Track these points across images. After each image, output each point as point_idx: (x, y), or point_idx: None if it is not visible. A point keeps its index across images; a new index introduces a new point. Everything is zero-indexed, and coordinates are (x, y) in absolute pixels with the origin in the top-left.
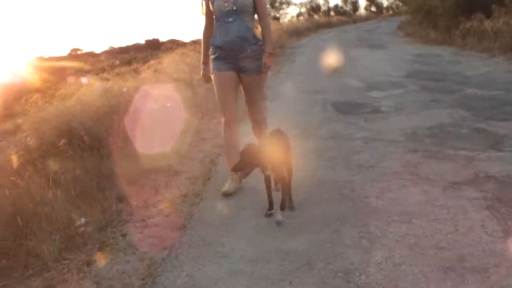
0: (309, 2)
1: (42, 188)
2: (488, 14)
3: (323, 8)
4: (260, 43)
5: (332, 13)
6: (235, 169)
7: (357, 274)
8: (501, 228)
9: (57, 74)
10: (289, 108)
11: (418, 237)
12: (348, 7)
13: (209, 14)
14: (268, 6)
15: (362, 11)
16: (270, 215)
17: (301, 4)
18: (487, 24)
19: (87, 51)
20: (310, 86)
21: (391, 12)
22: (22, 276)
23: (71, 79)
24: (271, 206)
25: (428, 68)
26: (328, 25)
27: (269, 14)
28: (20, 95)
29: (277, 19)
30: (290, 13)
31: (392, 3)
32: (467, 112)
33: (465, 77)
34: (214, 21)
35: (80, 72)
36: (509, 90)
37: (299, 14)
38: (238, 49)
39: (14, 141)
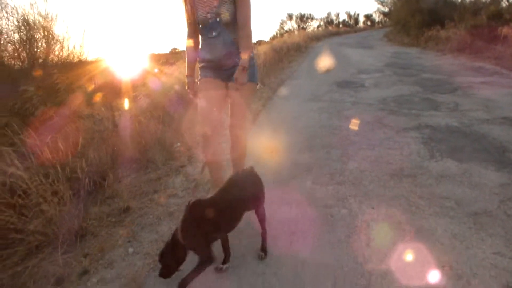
0: (326, 18)
1: (155, 124)
2: (443, 26)
3: (335, 22)
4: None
5: (340, 25)
6: (163, 277)
7: (337, 175)
8: (428, 154)
9: (164, 64)
10: (307, 83)
11: (376, 157)
12: (352, 22)
13: (192, 23)
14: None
15: (361, 24)
16: (224, 269)
17: (320, 19)
18: (442, 33)
19: (182, 49)
20: (321, 70)
21: (380, 25)
22: (145, 172)
23: (171, 67)
24: (226, 259)
25: (400, 61)
26: (337, 33)
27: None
28: (142, 76)
29: (304, 29)
30: (312, 25)
31: (381, 19)
32: (420, 88)
33: (423, 66)
34: (199, 33)
35: (177, 62)
36: (450, 75)
37: (318, 26)
38: (227, 62)
39: (137, 102)
